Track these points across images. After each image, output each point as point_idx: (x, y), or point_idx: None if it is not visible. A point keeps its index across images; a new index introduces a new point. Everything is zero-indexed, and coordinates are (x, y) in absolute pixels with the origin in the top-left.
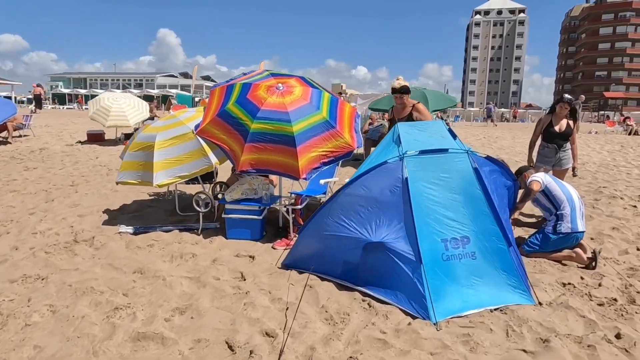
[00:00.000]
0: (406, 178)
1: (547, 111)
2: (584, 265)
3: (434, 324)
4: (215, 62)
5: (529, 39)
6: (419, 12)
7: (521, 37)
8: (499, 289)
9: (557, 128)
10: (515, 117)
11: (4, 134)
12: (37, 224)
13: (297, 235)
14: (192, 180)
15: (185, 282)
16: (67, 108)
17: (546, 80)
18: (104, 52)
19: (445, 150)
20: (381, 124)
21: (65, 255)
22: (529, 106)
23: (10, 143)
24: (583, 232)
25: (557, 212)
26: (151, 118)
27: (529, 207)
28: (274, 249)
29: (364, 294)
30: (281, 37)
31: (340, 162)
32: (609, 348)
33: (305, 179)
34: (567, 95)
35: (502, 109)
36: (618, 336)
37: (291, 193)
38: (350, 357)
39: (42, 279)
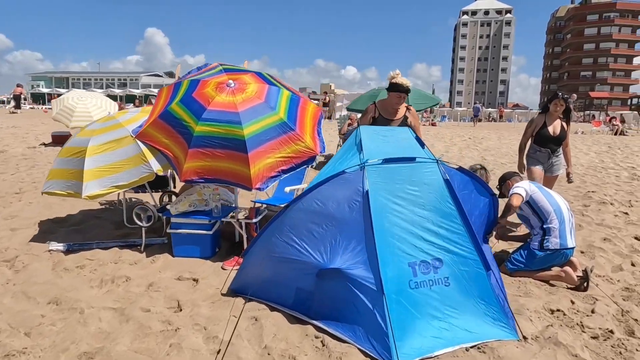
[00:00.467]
0: (367, 191)
1: (540, 111)
2: (574, 286)
3: None
4: (204, 62)
5: (516, 39)
6: (408, 12)
7: (508, 37)
8: (476, 321)
9: (551, 130)
10: (501, 116)
11: None
12: None
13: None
14: (141, 188)
15: (105, 316)
16: (48, 108)
17: (533, 80)
18: (90, 51)
19: (412, 160)
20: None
21: None
22: (516, 106)
23: None
24: (573, 248)
25: (544, 226)
26: None
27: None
28: (223, 269)
29: (319, 329)
30: (270, 36)
31: (309, 167)
32: None
33: (259, 189)
34: (561, 93)
35: (490, 109)
36: None
37: (255, 202)
38: None
39: None
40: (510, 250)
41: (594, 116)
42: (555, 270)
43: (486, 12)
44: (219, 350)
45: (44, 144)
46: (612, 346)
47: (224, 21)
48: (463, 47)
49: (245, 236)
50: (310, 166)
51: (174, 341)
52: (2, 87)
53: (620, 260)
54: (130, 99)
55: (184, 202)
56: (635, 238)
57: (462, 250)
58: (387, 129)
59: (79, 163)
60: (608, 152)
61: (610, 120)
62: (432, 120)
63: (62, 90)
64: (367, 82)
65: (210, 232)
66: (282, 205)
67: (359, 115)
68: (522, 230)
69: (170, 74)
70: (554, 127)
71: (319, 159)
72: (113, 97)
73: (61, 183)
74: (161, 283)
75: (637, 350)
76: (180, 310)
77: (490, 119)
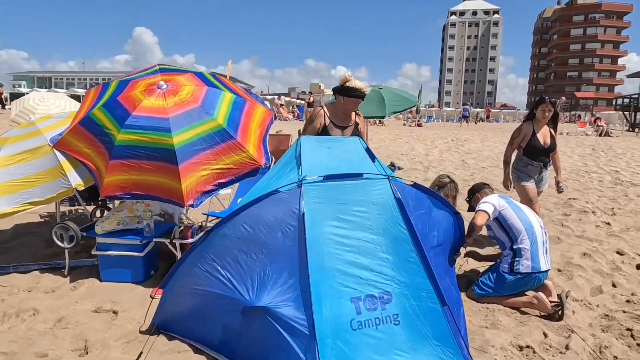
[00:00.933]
0: (303, 213)
1: (525, 118)
2: (548, 314)
3: None
4: (194, 62)
5: (504, 39)
6: (398, 12)
7: (495, 37)
8: None
9: (542, 141)
10: (488, 116)
11: None
12: None
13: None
14: (73, 200)
15: None
16: (9, 108)
17: (521, 80)
18: (77, 50)
19: (359, 176)
20: None
21: None
22: (504, 106)
23: None
24: (547, 271)
25: (514, 247)
26: None
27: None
28: (152, 297)
29: None
30: (260, 36)
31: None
32: None
33: (191, 205)
34: (548, 97)
35: (478, 109)
36: None
37: (207, 214)
38: None
39: None
40: (483, 270)
41: (579, 116)
42: (528, 296)
43: (474, 13)
44: None
45: None
46: None
47: (214, 21)
48: (451, 48)
49: (179, 258)
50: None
51: None
52: None
53: (600, 280)
54: None
55: (112, 219)
56: (617, 252)
57: (414, 281)
58: (334, 139)
59: None
60: (592, 155)
61: (595, 121)
62: (418, 120)
63: (42, 91)
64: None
65: (142, 254)
66: None
67: None
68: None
69: None
70: (544, 137)
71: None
72: None
73: None
74: (73, 317)
75: None
76: (87, 353)
77: (478, 119)
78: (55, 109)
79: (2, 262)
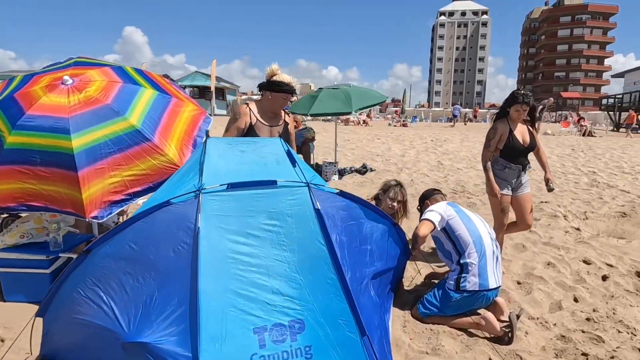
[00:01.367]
0: (199, 228)
1: (495, 116)
2: (497, 336)
3: None
4: (184, 62)
5: (492, 40)
6: (390, 12)
7: (484, 38)
8: None
9: (520, 140)
10: (475, 116)
11: None
12: None
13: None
14: None
15: None
16: None
17: (510, 81)
18: (66, 50)
19: (272, 183)
20: (306, 127)
21: None
22: (493, 106)
23: None
24: (497, 288)
25: (461, 261)
26: None
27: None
28: None
29: None
30: (251, 36)
31: None
32: None
33: (96, 218)
34: (520, 91)
35: (467, 109)
36: None
37: None
38: None
39: None
40: (437, 282)
41: (566, 117)
42: (475, 316)
43: (463, 14)
44: None
45: None
46: None
47: (205, 20)
48: (441, 48)
49: None
50: None
51: None
52: None
53: (561, 294)
54: None
55: (14, 232)
56: (584, 261)
57: (331, 307)
58: (250, 140)
59: None
60: (570, 156)
61: (578, 121)
62: (403, 120)
63: None
64: (348, 82)
65: (48, 271)
66: None
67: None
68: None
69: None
70: (522, 135)
71: None
72: None
73: None
74: None
75: None
76: None
77: (467, 119)
78: None
79: None
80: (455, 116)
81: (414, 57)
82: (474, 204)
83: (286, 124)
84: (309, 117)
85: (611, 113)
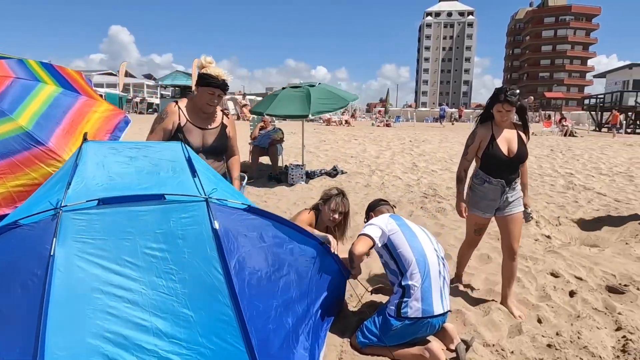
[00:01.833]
0: (53, 257)
1: (478, 120)
2: None
3: None
4: (172, 61)
5: (479, 41)
6: (378, 12)
7: (470, 38)
8: None
9: (504, 148)
10: (460, 116)
11: None
12: None
13: None
14: None
15: None
16: None
17: (497, 81)
18: (49, 49)
19: (159, 198)
20: (274, 128)
21: None
22: (479, 106)
23: None
24: (444, 314)
25: (403, 282)
26: None
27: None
28: None
29: None
30: (240, 36)
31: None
32: None
33: None
34: (503, 88)
35: (453, 109)
36: None
37: None
38: None
39: None
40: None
41: (549, 116)
42: (420, 347)
43: (449, 14)
44: None
45: None
46: None
47: (192, 20)
48: (427, 48)
49: None
50: None
51: None
52: None
53: (524, 314)
54: None
55: None
56: (552, 274)
57: (226, 351)
58: (142, 144)
59: None
60: (549, 157)
61: (560, 121)
62: (386, 120)
63: None
64: (337, 82)
65: None
66: None
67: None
68: None
69: (126, 73)
70: (508, 142)
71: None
72: None
73: None
74: None
75: None
76: None
77: (452, 119)
78: None
79: None
80: (442, 116)
81: (402, 58)
82: (444, 209)
83: (224, 126)
84: (277, 118)
85: (593, 113)
